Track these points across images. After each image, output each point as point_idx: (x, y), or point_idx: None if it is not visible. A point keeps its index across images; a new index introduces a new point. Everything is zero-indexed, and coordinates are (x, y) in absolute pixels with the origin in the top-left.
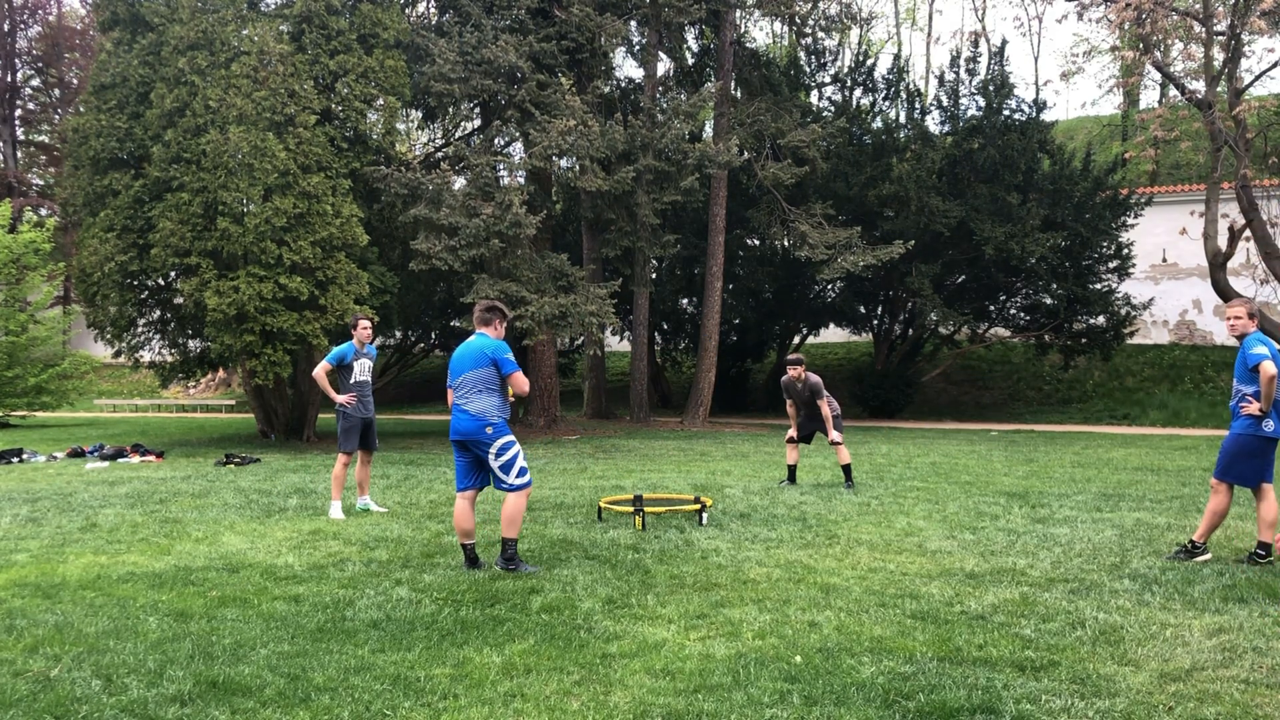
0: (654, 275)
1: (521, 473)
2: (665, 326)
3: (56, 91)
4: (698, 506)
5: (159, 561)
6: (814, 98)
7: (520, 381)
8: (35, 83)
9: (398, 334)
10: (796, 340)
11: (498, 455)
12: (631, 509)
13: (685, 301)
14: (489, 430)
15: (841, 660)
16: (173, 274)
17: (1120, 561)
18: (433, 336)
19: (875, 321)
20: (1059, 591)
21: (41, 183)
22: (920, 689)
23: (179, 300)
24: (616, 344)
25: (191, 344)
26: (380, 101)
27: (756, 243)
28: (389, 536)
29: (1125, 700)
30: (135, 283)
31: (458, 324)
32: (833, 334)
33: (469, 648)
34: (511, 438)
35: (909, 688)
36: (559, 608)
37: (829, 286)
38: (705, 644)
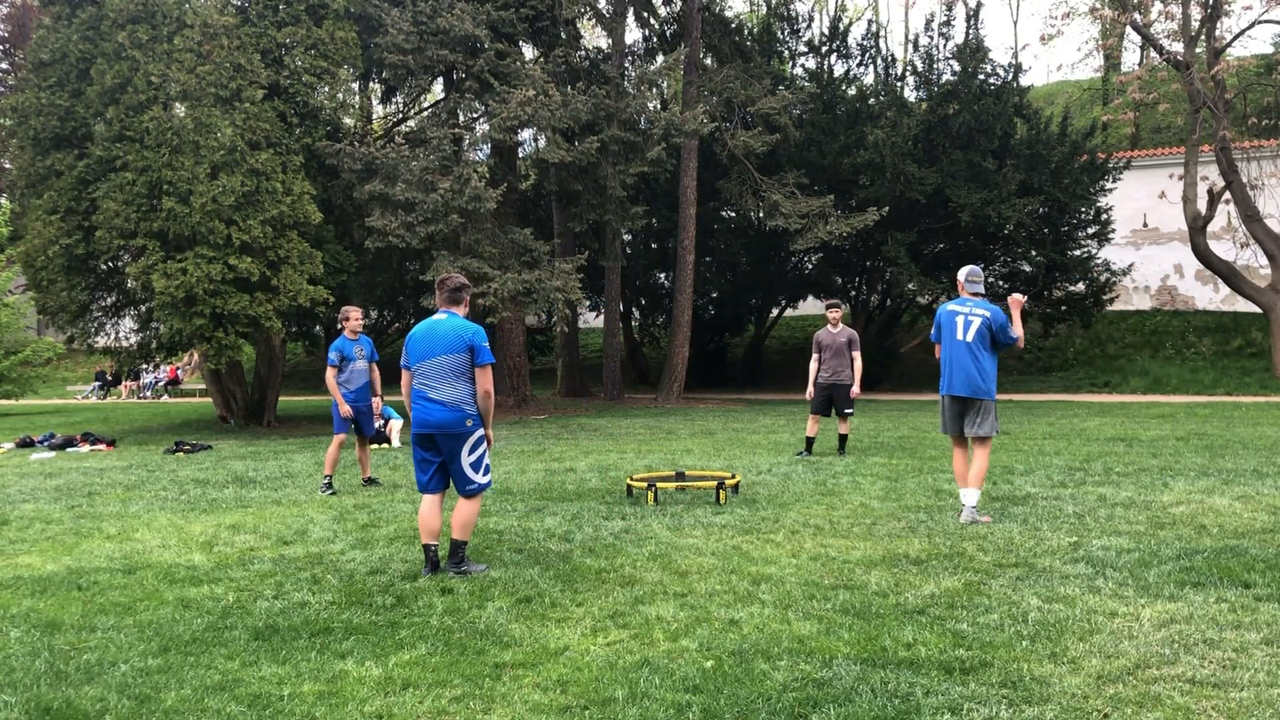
0: (626, 250)
1: (487, 470)
2: (642, 302)
3: (25, 74)
4: (713, 484)
5: (55, 563)
6: (788, 65)
7: (490, 381)
8: (3, 65)
9: (372, 314)
10: (775, 313)
11: (472, 450)
12: (645, 485)
13: (662, 276)
14: (469, 422)
15: (755, 665)
16: (125, 256)
17: (1076, 543)
18: (409, 317)
19: (853, 293)
20: (1005, 579)
21: (10, 167)
22: (832, 698)
23: (130, 284)
24: (594, 320)
25: (151, 328)
26: (331, 74)
27: (732, 215)
28: (310, 531)
29: (1056, 708)
30: (83, 266)
31: (429, 304)
32: (811, 306)
33: (351, 659)
34: (484, 432)
35: (821, 696)
36: (465, 609)
37: (806, 258)
38: (611, 649)
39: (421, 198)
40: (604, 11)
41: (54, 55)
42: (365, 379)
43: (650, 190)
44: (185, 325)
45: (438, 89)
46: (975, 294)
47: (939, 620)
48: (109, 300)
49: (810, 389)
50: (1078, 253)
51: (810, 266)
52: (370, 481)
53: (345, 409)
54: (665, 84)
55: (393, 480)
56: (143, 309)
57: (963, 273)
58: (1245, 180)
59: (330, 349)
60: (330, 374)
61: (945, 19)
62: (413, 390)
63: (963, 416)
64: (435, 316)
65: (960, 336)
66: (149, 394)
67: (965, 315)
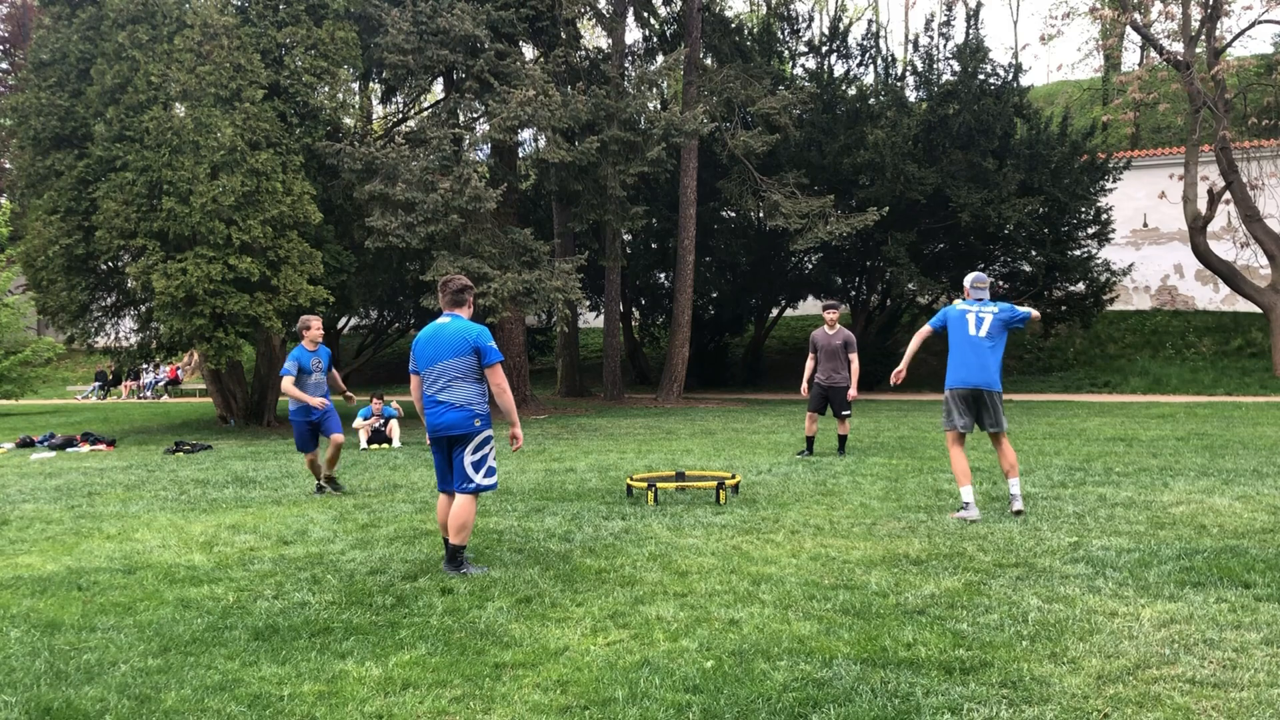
0: (627, 250)
1: (491, 472)
2: (643, 302)
3: (25, 74)
4: (712, 484)
5: (55, 563)
6: (788, 65)
7: (502, 378)
8: (3, 65)
9: (373, 314)
10: (775, 313)
11: (476, 450)
12: (645, 485)
13: (662, 276)
14: (477, 422)
15: (755, 665)
16: (125, 256)
17: (1076, 543)
18: (410, 317)
19: (853, 293)
20: (1006, 579)
21: (10, 167)
22: (832, 698)
23: (130, 284)
24: (594, 320)
25: (151, 328)
26: (331, 74)
27: (732, 215)
28: (310, 531)
29: (1057, 708)
30: (83, 266)
31: (430, 304)
32: (811, 306)
33: (351, 659)
34: (492, 432)
35: (821, 696)
36: (465, 609)
37: (806, 258)
38: (611, 649)
39: (421, 198)
40: (604, 11)
41: (54, 55)
42: (324, 390)
43: (650, 190)
44: (185, 325)
45: (438, 89)
46: (980, 298)
47: (939, 620)
48: (109, 300)
49: (804, 386)
50: (1078, 253)
51: (810, 266)
52: (330, 482)
53: (314, 401)
54: (665, 84)
55: (392, 480)
56: (143, 309)
57: (969, 278)
58: (1245, 180)
59: (288, 358)
60: (287, 382)
61: (945, 19)
62: (423, 396)
63: (973, 410)
64: (439, 320)
65: (973, 332)
66: (149, 394)
67: (976, 313)
